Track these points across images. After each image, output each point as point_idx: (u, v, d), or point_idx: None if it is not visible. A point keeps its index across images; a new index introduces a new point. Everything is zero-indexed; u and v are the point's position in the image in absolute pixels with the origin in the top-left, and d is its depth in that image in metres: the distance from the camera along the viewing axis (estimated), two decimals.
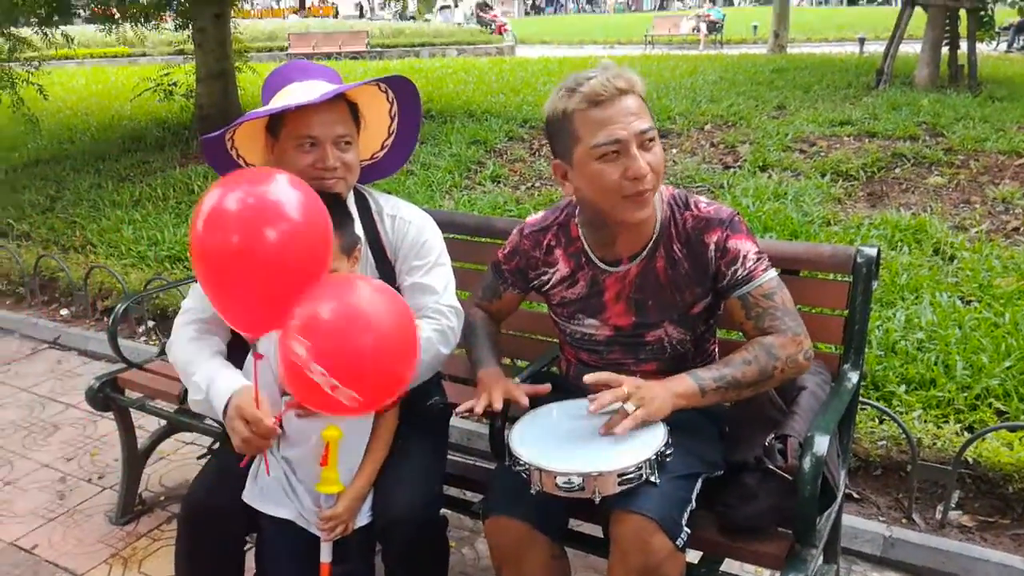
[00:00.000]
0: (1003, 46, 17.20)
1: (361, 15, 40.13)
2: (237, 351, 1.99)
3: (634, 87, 1.71)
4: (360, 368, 1.50)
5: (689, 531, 1.63)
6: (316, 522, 1.83)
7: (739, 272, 1.77)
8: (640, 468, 1.58)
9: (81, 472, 3.21)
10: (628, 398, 1.65)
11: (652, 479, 1.59)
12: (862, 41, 16.18)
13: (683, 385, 1.70)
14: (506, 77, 11.24)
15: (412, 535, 1.86)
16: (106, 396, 2.83)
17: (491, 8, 33.96)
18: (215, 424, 2.31)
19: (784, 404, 1.87)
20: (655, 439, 1.64)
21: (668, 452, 1.63)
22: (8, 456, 3.35)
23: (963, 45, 8.86)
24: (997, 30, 11.88)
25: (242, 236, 1.44)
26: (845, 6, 40.88)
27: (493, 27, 29.21)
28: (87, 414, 3.61)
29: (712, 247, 1.78)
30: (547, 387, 1.92)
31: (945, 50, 8.95)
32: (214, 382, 1.84)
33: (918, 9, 9.15)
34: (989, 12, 9.75)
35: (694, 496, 1.69)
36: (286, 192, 1.50)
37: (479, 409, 1.79)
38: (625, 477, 1.57)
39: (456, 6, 34.69)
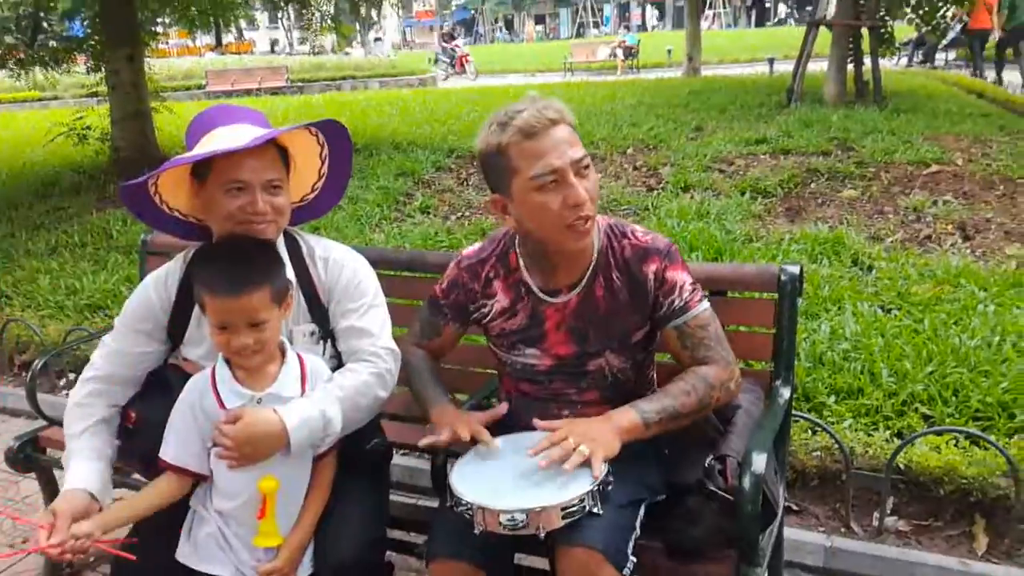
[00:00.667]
0: (904, 61, 18.03)
1: (272, 50, 39.84)
2: (156, 392, 1.95)
3: (564, 116, 1.74)
4: None
5: (635, 559, 1.64)
6: None
7: (676, 303, 1.80)
8: (583, 500, 1.58)
9: (3, 538, 3.04)
10: (577, 445, 1.64)
11: (596, 510, 1.59)
12: (771, 62, 16.76)
13: (627, 419, 1.72)
14: (430, 108, 11.28)
15: None
16: (27, 456, 2.69)
17: (455, 38, 31.94)
18: (144, 481, 2.23)
19: (720, 424, 1.90)
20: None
21: (610, 481, 1.63)
22: None
23: (867, 61, 9.26)
24: (897, 45, 12.44)
25: None
26: (752, 28, 42.34)
27: (454, 58, 27.30)
28: (8, 475, 3.43)
29: (651, 277, 1.81)
30: (504, 407, 1.92)
31: (851, 67, 9.33)
32: (68, 473, 1.85)
33: (823, 29, 9.54)
34: (889, 29, 10.22)
35: (638, 523, 1.71)
36: None
37: (444, 439, 1.77)
38: (568, 510, 1.57)
39: (382, 39, 34.10)
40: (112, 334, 2.00)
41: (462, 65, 26.64)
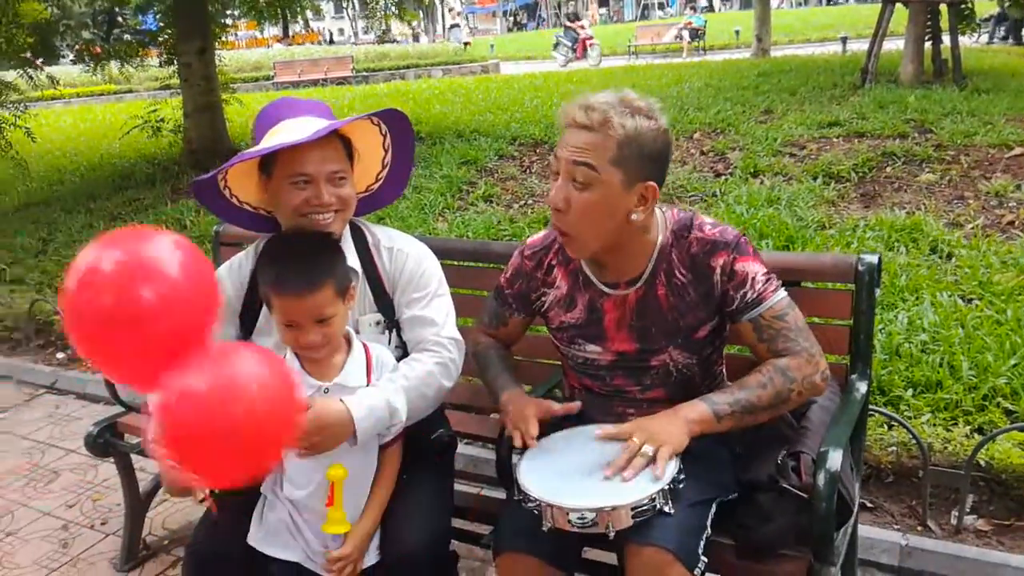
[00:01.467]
0: (984, 38, 17.28)
1: (331, 41, 40.08)
2: None
3: (591, 121, 1.65)
4: (203, 451, 1.41)
5: (706, 560, 1.60)
6: (324, 564, 1.80)
7: (748, 295, 1.74)
8: (654, 500, 1.55)
9: (83, 519, 3.17)
10: (642, 446, 1.61)
11: (666, 509, 1.56)
12: (844, 40, 16.27)
13: (697, 412, 1.67)
14: (493, 96, 11.26)
15: (423, 572, 1.83)
16: (106, 442, 2.79)
17: (579, 18, 27.72)
18: None
19: (794, 419, 1.84)
20: (667, 467, 1.61)
21: (681, 479, 1.60)
22: (9, 506, 3.30)
23: (946, 39, 8.90)
24: (978, 22, 11.93)
25: (112, 297, 1.38)
26: (825, 6, 41.10)
27: (576, 41, 23.95)
28: (87, 459, 3.56)
29: (719, 271, 1.75)
30: (578, 404, 1.89)
31: (928, 45, 8.98)
32: None
33: (899, 5, 9.19)
34: (969, 5, 9.80)
35: (709, 522, 1.66)
36: (166, 254, 1.46)
37: (518, 443, 1.77)
38: (639, 510, 1.54)
39: (459, 26, 32.31)
40: None
41: (584, 49, 23.36)
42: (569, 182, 1.67)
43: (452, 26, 30.70)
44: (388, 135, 2.01)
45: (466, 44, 29.27)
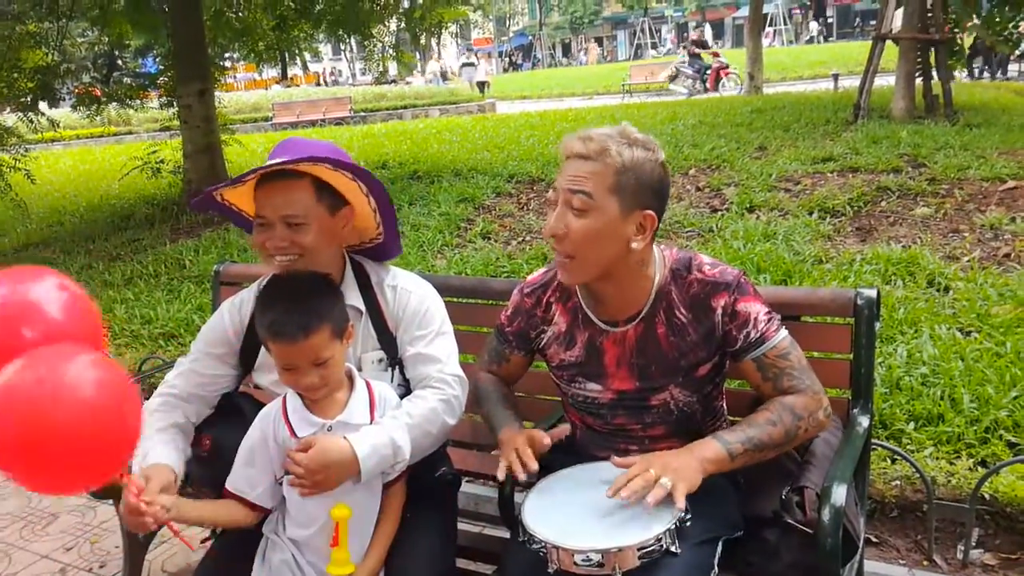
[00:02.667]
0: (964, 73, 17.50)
1: (323, 83, 39.92)
2: (230, 419, 1.98)
3: (587, 151, 1.68)
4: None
5: None
6: None
7: (751, 335, 1.74)
8: (660, 539, 1.54)
9: (81, 562, 3.13)
10: (658, 478, 1.59)
11: (673, 549, 1.55)
12: (836, 77, 16.45)
13: (711, 451, 1.66)
14: (489, 134, 11.37)
15: None
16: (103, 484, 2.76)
17: (706, 45, 23.36)
18: None
19: (797, 454, 1.84)
20: (671, 507, 1.60)
21: (687, 518, 1.59)
22: (6, 549, 3.27)
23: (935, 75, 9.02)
24: (964, 58, 12.09)
25: None
26: (821, 43, 41.66)
27: (706, 71, 20.73)
28: (86, 501, 3.54)
29: (719, 311, 1.75)
30: (567, 428, 1.88)
31: (919, 81, 9.10)
32: (147, 456, 1.84)
33: (890, 42, 9.33)
34: (959, 42, 9.95)
35: (716, 560, 1.65)
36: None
37: (501, 475, 1.74)
38: (645, 550, 1.52)
39: (476, 64, 28.60)
40: (188, 355, 2.05)
41: (716, 80, 20.24)
42: (568, 210, 1.69)
43: (465, 64, 27.64)
44: (370, 196, 1.95)
45: (483, 84, 26.92)
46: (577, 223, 1.68)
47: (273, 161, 1.83)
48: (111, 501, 2.84)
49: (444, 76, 29.17)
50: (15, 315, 1.48)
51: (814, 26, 46.64)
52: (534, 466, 1.72)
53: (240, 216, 2.06)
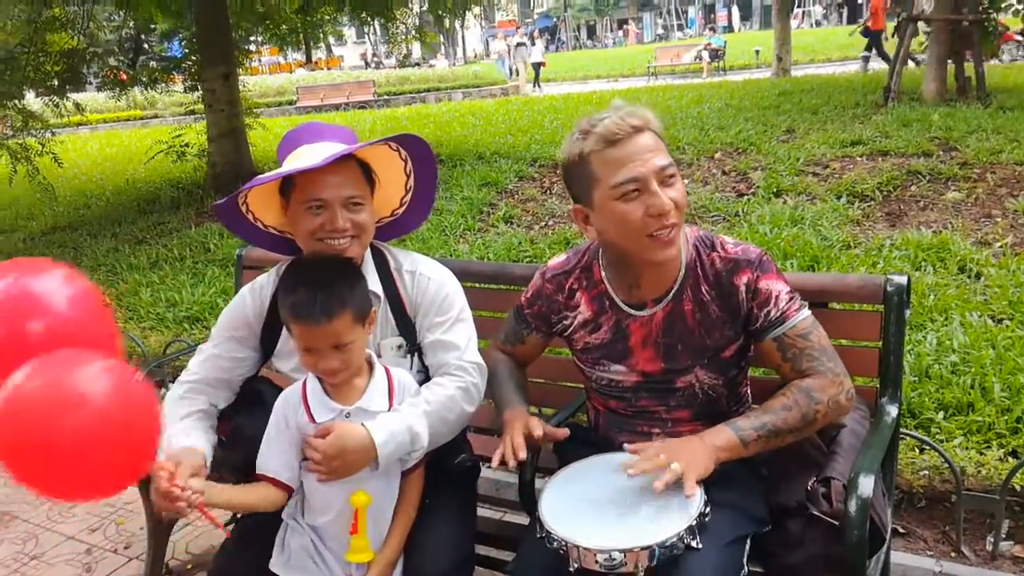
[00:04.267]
0: (1007, 56, 17.14)
1: (367, 65, 39.19)
2: (251, 405, 1.98)
3: (648, 124, 1.68)
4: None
5: None
6: None
7: (772, 313, 1.71)
8: (681, 537, 1.51)
9: (107, 543, 3.17)
10: (669, 463, 1.57)
11: (695, 544, 1.52)
12: (866, 59, 16.19)
13: (723, 438, 1.64)
14: (513, 117, 11.32)
15: None
16: None
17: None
18: None
19: (824, 444, 1.80)
20: (693, 501, 1.57)
21: (707, 512, 1.56)
22: (33, 530, 3.31)
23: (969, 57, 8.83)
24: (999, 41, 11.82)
25: None
26: (844, 24, 41.03)
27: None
28: None
29: (743, 289, 1.73)
30: (565, 432, 1.84)
31: (951, 63, 8.92)
32: (175, 441, 1.84)
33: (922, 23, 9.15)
34: (993, 23, 9.73)
35: (745, 560, 1.63)
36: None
37: (495, 463, 1.72)
38: (667, 547, 1.50)
39: (534, 44, 25.36)
40: (208, 341, 2.05)
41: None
42: (662, 186, 1.65)
43: (519, 44, 24.47)
44: (409, 161, 2.00)
45: (538, 66, 24.59)
46: (678, 191, 1.68)
47: (349, 146, 1.85)
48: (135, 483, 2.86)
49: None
50: (23, 309, 1.47)
51: (818, 9, 45.84)
52: (522, 455, 1.70)
53: (249, 226, 2.01)
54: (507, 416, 1.85)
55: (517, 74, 24.37)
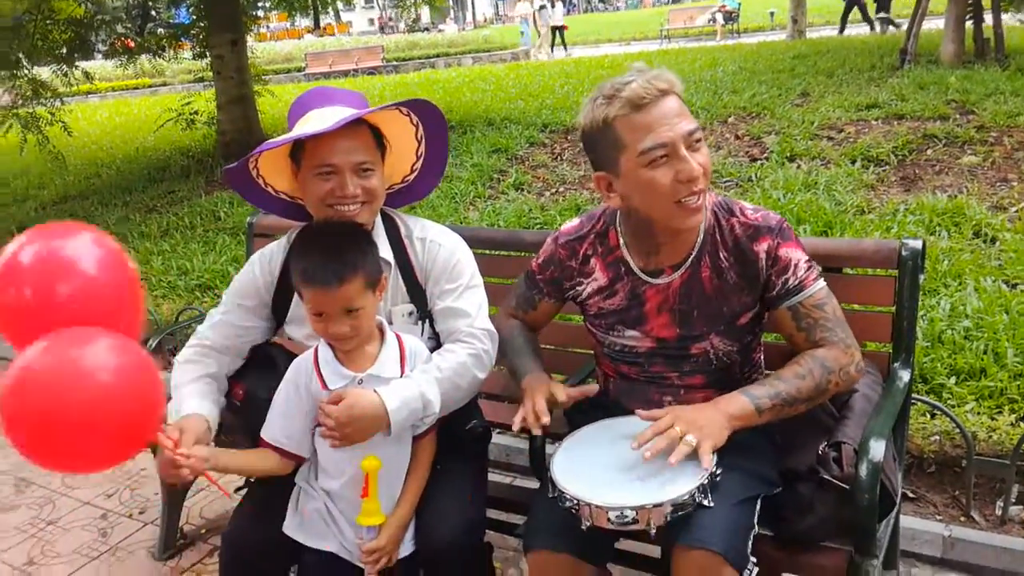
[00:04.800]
0: None
1: (383, 30, 38.17)
2: (263, 369, 1.99)
3: (674, 87, 1.64)
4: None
5: (755, 560, 1.57)
6: (359, 555, 1.80)
7: (790, 281, 1.70)
8: (693, 496, 1.52)
9: (122, 508, 3.21)
10: (684, 435, 1.57)
11: (706, 503, 1.53)
12: (882, 21, 15.91)
13: (737, 406, 1.63)
14: (523, 82, 11.21)
15: (457, 563, 1.83)
16: None
17: None
18: None
19: (836, 409, 1.80)
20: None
21: (718, 472, 1.57)
22: (49, 495, 3.36)
23: (988, 18, 8.66)
24: None
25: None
26: None
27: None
28: None
29: (763, 255, 1.71)
30: (594, 388, 1.85)
31: (969, 24, 8.75)
32: (182, 406, 1.87)
33: None
34: None
35: (755, 519, 1.63)
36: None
37: (516, 427, 1.73)
38: (680, 504, 1.51)
39: (553, 6, 23.88)
40: (219, 307, 2.06)
41: None
42: (689, 151, 1.62)
43: (541, 7, 23.15)
44: (420, 126, 1.98)
45: (559, 29, 23.54)
46: (704, 156, 1.66)
47: (359, 111, 1.83)
48: (149, 449, 2.89)
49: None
50: (52, 271, 1.49)
51: None
52: (546, 420, 1.71)
53: (261, 192, 2.00)
54: (527, 382, 1.85)
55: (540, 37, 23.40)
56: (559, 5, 25.09)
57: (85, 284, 1.53)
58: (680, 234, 1.74)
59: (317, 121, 1.82)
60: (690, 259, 1.77)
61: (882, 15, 16.14)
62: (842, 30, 16.83)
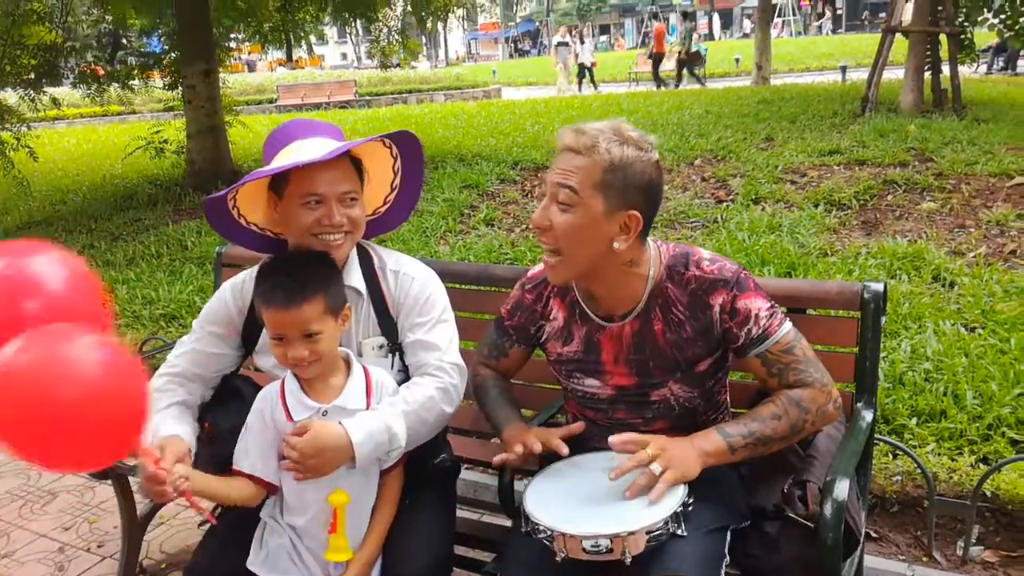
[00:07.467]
0: (983, 68, 17.41)
1: (355, 65, 38.45)
2: (230, 402, 1.98)
3: (578, 145, 1.65)
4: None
5: None
6: None
7: (753, 331, 1.71)
8: (667, 523, 1.53)
9: (80, 542, 3.13)
10: (653, 460, 1.59)
11: (679, 532, 1.55)
12: (844, 69, 16.37)
13: (711, 443, 1.65)
14: (495, 120, 11.33)
15: None
16: None
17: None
18: None
19: (800, 448, 1.82)
20: (676, 490, 1.59)
21: (690, 502, 1.59)
22: (4, 527, 3.27)
23: (945, 69, 8.96)
24: (977, 52, 12.01)
25: None
26: (830, 35, 41.41)
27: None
28: (85, 480, 3.53)
29: (717, 309, 1.72)
30: (581, 425, 1.87)
31: (928, 75, 9.04)
32: (159, 429, 1.84)
33: (899, 35, 9.26)
34: (969, 36, 9.87)
35: (726, 549, 1.64)
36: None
37: (516, 456, 1.74)
38: (653, 534, 1.52)
39: (583, 43, 23.26)
40: (190, 335, 2.04)
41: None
42: (553, 203, 1.68)
43: (560, 44, 22.32)
44: (399, 158, 2.01)
45: (583, 68, 22.55)
46: (560, 217, 1.67)
47: (347, 142, 1.86)
48: (110, 481, 2.83)
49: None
50: (15, 289, 1.47)
51: (826, 21, 46.23)
52: (538, 448, 1.73)
53: (232, 222, 1.98)
54: (509, 433, 1.86)
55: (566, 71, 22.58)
56: (588, 42, 24.73)
57: (45, 288, 1.50)
58: (616, 287, 1.77)
59: (301, 152, 1.83)
60: (636, 310, 1.78)
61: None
62: (658, 83, 18.82)
